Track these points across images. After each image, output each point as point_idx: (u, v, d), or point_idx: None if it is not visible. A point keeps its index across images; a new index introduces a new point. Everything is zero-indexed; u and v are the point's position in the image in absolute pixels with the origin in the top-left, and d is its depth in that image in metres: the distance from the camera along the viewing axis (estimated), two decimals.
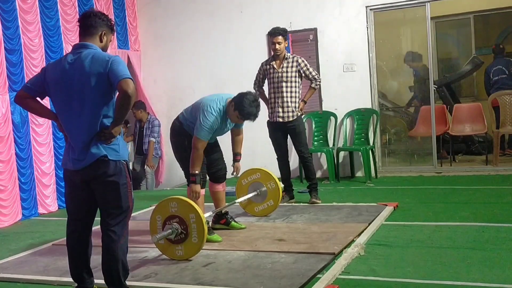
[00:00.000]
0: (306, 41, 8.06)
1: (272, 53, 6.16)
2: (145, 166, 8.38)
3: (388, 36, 9.63)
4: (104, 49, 3.37)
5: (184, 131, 4.78)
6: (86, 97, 3.17)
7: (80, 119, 3.20)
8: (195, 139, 4.54)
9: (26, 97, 3.36)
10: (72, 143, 3.27)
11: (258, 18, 8.32)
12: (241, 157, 5.12)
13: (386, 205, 5.60)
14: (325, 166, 7.95)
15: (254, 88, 6.36)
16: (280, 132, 6.18)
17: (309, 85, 6.18)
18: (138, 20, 8.98)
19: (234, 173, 5.17)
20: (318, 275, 3.65)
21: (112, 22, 3.43)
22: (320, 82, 6.21)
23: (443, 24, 10.58)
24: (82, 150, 3.21)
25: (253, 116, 4.55)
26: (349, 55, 7.92)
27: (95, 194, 3.29)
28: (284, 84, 6.02)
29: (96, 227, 3.39)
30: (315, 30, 8.06)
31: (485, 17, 10.48)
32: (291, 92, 6.04)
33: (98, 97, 3.17)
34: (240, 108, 4.50)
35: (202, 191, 4.81)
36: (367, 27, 7.83)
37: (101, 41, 3.35)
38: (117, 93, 3.13)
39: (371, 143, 7.82)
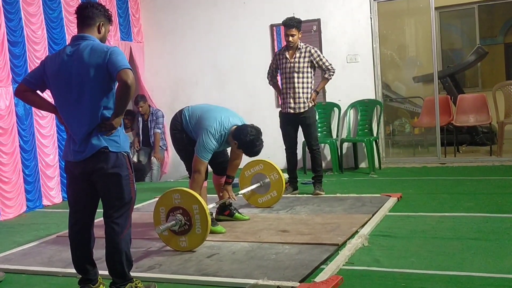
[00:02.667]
0: (309, 32, 8.02)
1: (286, 43, 6.10)
2: (152, 158, 8.39)
3: (392, 27, 9.60)
4: (103, 40, 3.35)
5: (183, 129, 4.71)
6: (86, 89, 3.16)
7: (80, 111, 3.19)
8: (197, 160, 4.46)
9: (25, 90, 3.33)
10: (72, 135, 3.26)
11: (261, 9, 8.29)
12: (233, 180, 4.98)
13: (390, 196, 5.60)
14: (328, 157, 7.94)
15: (268, 78, 6.33)
16: (291, 123, 6.14)
17: (322, 75, 6.11)
18: (140, 11, 8.96)
19: (231, 200, 4.95)
20: (322, 266, 3.65)
21: (109, 12, 3.40)
22: (334, 72, 6.06)
23: (447, 14, 10.54)
24: (82, 141, 3.20)
25: (255, 154, 4.60)
26: (352, 46, 7.88)
27: (96, 186, 3.29)
28: (296, 74, 5.97)
29: (99, 219, 3.40)
30: (318, 21, 8.02)
31: (490, 7, 10.43)
32: (303, 83, 5.99)
33: (98, 89, 3.16)
34: (244, 149, 4.53)
35: (205, 183, 4.81)
36: (371, 18, 7.79)
37: (99, 32, 3.32)
38: (117, 84, 3.12)
39: (374, 134, 7.80)
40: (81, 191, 3.33)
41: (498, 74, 10.47)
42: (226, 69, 8.58)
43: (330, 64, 6.05)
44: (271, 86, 6.46)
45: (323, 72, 6.09)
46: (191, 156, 4.58)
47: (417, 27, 10.40)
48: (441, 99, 8.19)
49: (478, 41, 10.16)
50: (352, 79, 7.85)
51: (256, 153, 4.57)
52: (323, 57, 6.06)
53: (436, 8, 8.05)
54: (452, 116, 8.30)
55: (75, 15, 3.35)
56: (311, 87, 6.04)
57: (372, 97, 7.87)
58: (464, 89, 9.58)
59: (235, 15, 8.47)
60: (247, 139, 4.44)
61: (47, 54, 6.75)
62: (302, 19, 8.02)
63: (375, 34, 7.83)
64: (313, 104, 6.09)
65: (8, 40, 6.31)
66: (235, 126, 4.56)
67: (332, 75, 6.07)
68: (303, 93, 5.99)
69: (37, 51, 6.72)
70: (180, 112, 4.81)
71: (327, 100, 8.07)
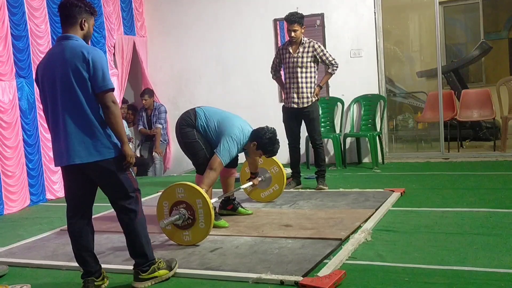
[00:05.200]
0: (313, 27, 8.00)
1: (289, 39, 6.09)
2: (153, 152, 8.41)
3: (396, 21, 9.56)
4: (88, 35, 3.34)
5: (196, 127, 4.73)
6: (69, 91, 3.16)
7: (65, 113, 3.19)
8: (217, 160, 4.51)
9: None
10: (57, 139, 3.28)
11: (265, 3, 8.27)
12: (256, 176, 5.31)
13: (393, 191, 5.60)
14: (332, 152, 7.94)
15: (271, 72, 6.31)
16: (294, 118, 6.14)
17: (326, 70, 6.10)
18: (144, 5, 8.95)
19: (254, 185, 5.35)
20: (325, 261, 3.66)
21: (90, 6, 3.35)
22: (337, 67, 6.06)
23: (451, 8, 10.50)
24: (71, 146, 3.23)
25: (276, 153, 4.87)
26: (356, 41, 7.86)
27: (95, 181, 3.34)
28: (299, 69, 5.96)
29: (102, 214, 3.40)
30: (322, 15, 8.00)
31: (494, 2, 10.39)
32: (306, 77, 5.98)
33: (80, 90, 3.16)
34: (264, 149, 4.76)
35: (235, 172, 4.86)
36: (375, 12, 7.76)
37: (82, 28, 3.30)
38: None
39: (378, 129, 7.79)
40: (76, 184, 3.36)
41: (502, 69, 10.44)
42: (229, 64, 8.56)
43: (334, 59, 6.04)
44: (274, 81, 6.45)
45: (326, 67, 6.08)
46: (202, 153, 4.64)
47: (421, 21, 10.37)
48: (444, 94, 8.17)
49: (482, 36, 10.11)
50: (356, 74, 7.84)
51: (275, 151, 4.82)
52: (327, 51, 6.05)
53: (440, 3, 8.02)
54: (455, 111, 8.28)
55: (58, 13, 3.34)
56: (314, 82, 6.04)
57: (376, 92, 7.86)
58: (468, 84, 9.54)
59: (238, 10, 8.45)
60: (266, 136, 4.70)
61: (51, 48, 6.74)
62: (306, 13, 8.02)
63: (379, 29, 7.81)
64: (316, 99, 6.08)
65: (11, 34, 6.31)
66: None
67: (336, 69, 6.06)
68: (306, 87, 5.98)
69: (41, 45, 6.72)
70: (193, 111, 4.82)
71: (331, 95, 8.06)
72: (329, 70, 6.06)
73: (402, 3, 9.91)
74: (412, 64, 10.31)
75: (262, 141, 4.70)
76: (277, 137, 4.80)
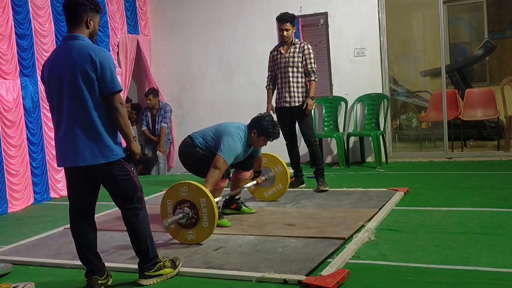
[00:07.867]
0: (316, 26, 8.00)
1: (280, 39, 6.11)
2: (157, 151, 8.43)
3: (399, 21, 9.55)
4: (93, 33, 3.33)
5: (196, 146, 4.80)
6: (77, 92, 3.16)
7: (70, 114, 3.20)
8: (220, 160, 4.51)
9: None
10: (62, 140, 3.29)
11: (268, 2, 8.26)
12: (260, 175, 5.35)
13: (397, 190, 5.59)
14: (335, 152, 7.94)
15: (267, 82, 6.25)
16: (288, 117, 6.14)
17: (309, 79, 5.99)
18: (147, 5, 8.95)
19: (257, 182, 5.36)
20: (328, 260, 3.66)
21: (95, 3, 3.33)
22: (317, 76, 6.02)
23: (455, 8, 10.46)
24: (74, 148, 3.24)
25: (278, 134, 4.87)
26: (360, 40, 7.85)
27: (99, 182, 3.36)
28: (290, 69, 5.97)
29: (104, 213, 3.41)
30: (325, 14, 7.99)
31: (498, 1, 10.35)
32: (297, 77, 5.99)
33: (88, 92, 3.16)
34: (265, 133, 4.76)
35: (225, 182, 4.82)
36: (379, 11, 7.75)
37: (88, 27, 3.28)
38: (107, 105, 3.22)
39: (381, 129, 7.78)
40: (78, 184, 3.37)
41: (506, 69, 10.40)
42: (232, 63, 8.57)
43: (316, 69, 6.00)
44: (271, 85, 6.32)
45: (308, 73, 5.99)
46: (206, 162, 4.60)
47: (425, 21, 10.35)
48: (448, 93, 8.15)
49: (486, 35, 10.09)
50: (359, 73, 7.83)
51: (277, 132, 4.83)
52: (313, 57, 6.00)
53: (444, 2, 8.00)
54: (459, 110, 8.26)
55: (63, 12, 3.32)
56: (305, 82, 6.03)
57: (379, 91, 7.85)
58: (472, 83, 9.51)
59: (242, 9, 8.45)
60: (264, 120, 4.77)
61: (54, 47, 6.75)
62: (309, 12, 8.05)
63: (383, 28, 7.79)
64: (310, 110, 5.99)
65: (15, 32, 6.33)
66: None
67: (317, 78, 6.03)
68: (297, 87, 5.99)
69: (45, 44, 6.74)
70: (188, 137, 4.96)
71: (334, 94, 8.05)
72: (312, 78, 5.98)
73: (406, 2, 9.89)
74: (416, 63, 10.30)
75: (262, 126, 4.74)
76: (276, 122, 4.89)
